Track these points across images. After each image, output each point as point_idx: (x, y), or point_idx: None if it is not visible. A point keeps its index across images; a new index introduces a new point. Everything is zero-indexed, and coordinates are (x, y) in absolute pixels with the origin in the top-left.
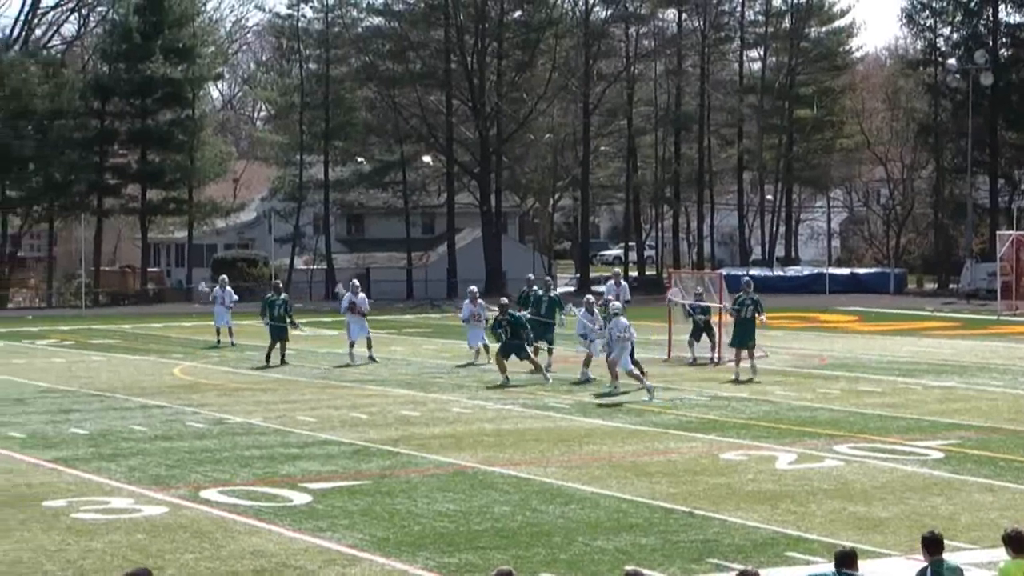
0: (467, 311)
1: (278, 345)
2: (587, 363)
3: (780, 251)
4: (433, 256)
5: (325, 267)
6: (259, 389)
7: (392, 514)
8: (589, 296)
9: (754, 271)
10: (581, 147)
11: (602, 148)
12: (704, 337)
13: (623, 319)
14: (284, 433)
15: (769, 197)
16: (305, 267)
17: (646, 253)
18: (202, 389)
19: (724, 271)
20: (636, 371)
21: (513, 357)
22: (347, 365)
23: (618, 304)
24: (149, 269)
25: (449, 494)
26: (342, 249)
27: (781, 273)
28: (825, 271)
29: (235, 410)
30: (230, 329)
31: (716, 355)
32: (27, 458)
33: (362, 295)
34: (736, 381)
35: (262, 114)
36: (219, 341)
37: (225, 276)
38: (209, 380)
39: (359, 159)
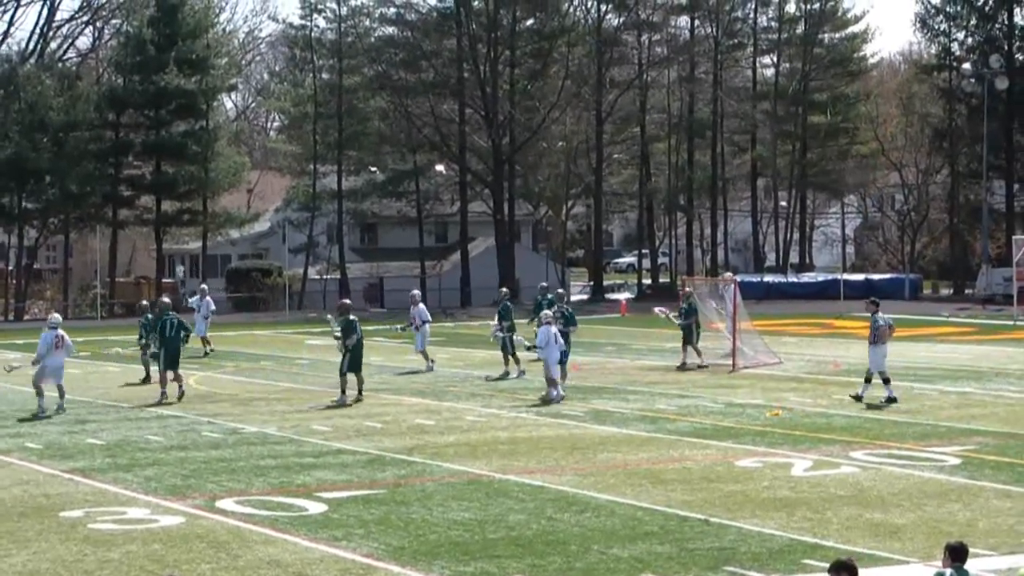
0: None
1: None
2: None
3: (795, 257)
4: (447, 265)
5: (339, 277)
6: (273, 399)
7: (407, 523)
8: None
9: (768, 277)
10: (594, 155)
11: (615, 156)
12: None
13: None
14: (299, 442)
15: (783, 203)
16: (319, 277)
17: (660, 260)
18: (217, 399)
19: (739, 278)
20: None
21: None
22: None
23: (548, 313)
24: (164, 280)
25: (464, 503)
26: (356, 258)
27: (795, 279)
28: (840, 277)
29: (250, 420)
30: (206, 339)
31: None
32: (44, 469)
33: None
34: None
35: (275, 124)
36: (206, 352)
37: (205, 286)
38: (224, 390)
39: (372, 168)
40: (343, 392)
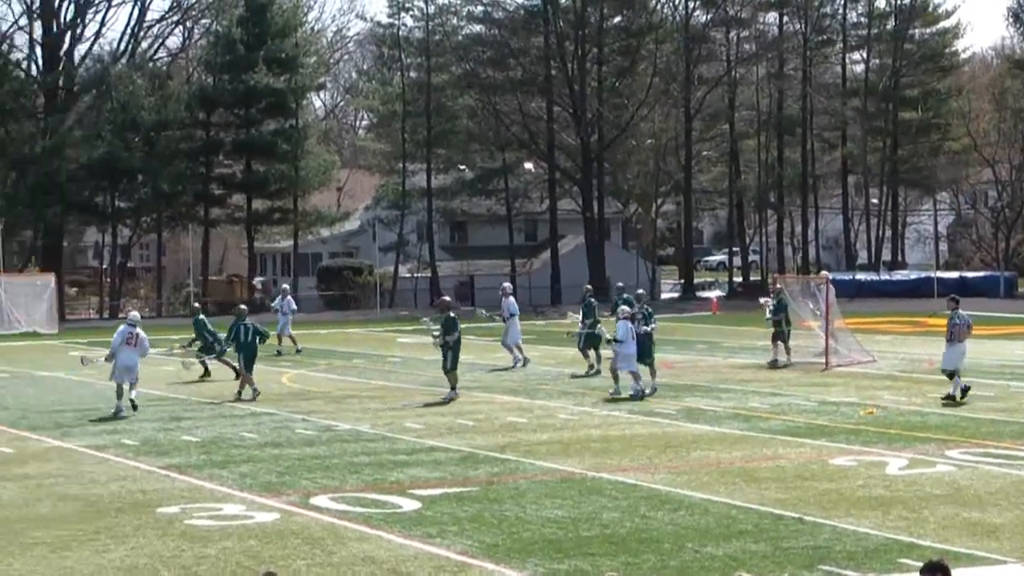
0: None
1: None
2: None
3: (887, 255)
4: (536, 263)
5: (429, 275)
6: (366, 396)
7: (501, 520)
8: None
9: (860, 275)
10: (683, 152)
11: (704, 153)
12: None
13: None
14: (392, 440)
15: (874, 201)
16: (409, 275)
17: (750, 258)
18: (310, 397)
19: (830, 275)
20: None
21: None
22: None
23: (626, 308)
24: (255, 278)
25: (557, 500)
26: (446, 257)
27: (888, 277)
28: (933, 275)
29: (343, 417)
30: (292, 337)
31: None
32: (141, 465)
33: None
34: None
35: (364, 123)
36: (278, 351)
37: (287, 286)
38: (317, 388)
39: (461, 166)
40: (453, 388)
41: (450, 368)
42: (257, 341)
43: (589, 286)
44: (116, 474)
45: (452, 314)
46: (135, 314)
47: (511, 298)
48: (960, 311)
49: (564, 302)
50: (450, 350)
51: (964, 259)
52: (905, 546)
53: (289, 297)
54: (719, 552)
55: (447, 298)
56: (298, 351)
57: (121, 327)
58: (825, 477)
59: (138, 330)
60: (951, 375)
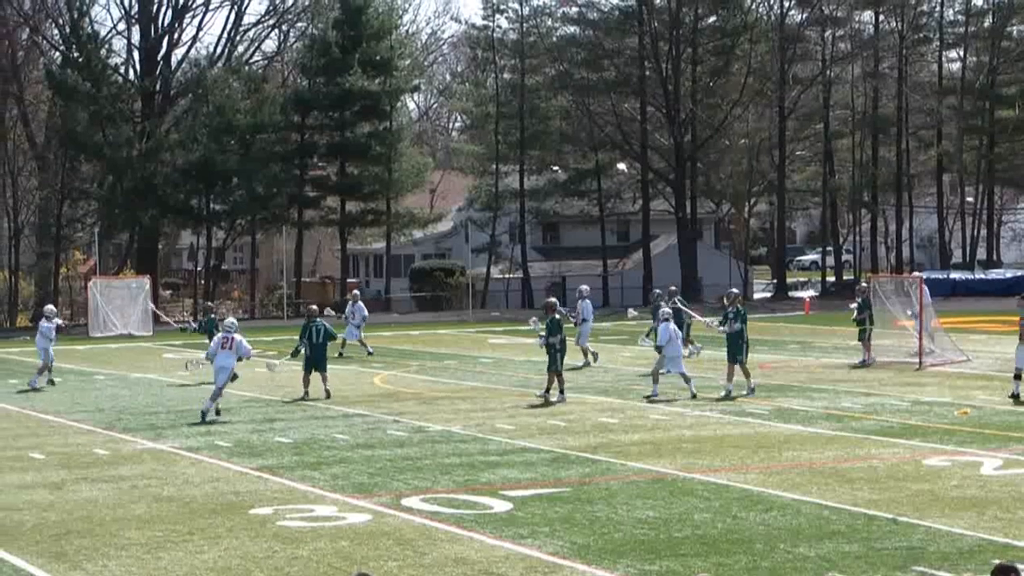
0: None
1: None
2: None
3: (981, 254)
4: (629, 263)
5: (521, 276)
6: (457, 398)
7: (592, 521)
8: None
9: (955, 274)
10: (777, 152)
11: (798, 152)
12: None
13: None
14: (483, 441)
15: (969, 199)
16: (501, 276)
17: (844, 258)
18: (402, 398)
19: (924, 274)
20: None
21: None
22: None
23: (667, 310)
24: (348, 280)
25: (649, 501)
26: (538, 257)
27: (983, 276)
28: None
29: (434, 418)
30: (361, 340)
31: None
32: (234, 466)
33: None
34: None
35: (458, 124)
36: (340, 353)
37: (357, 291)
38: (409, 388)
39: (554, 168)
40: (561, 392)
41: (557, 368)
42: (327, 341)
43: (658, 290)
44: (209, 475)
45: (557, 316)
46: (231, 320)
47: (588, 301)
48: None
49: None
50: (557, 351)
51: None
52: (1000, 547)
53: (360, 303)
54: (811, 553)
55: (553, 299)
56: (369, 353)
57: (218, 334)
58: (919, 477)
59: (234, 334)
60: (1017, 375)
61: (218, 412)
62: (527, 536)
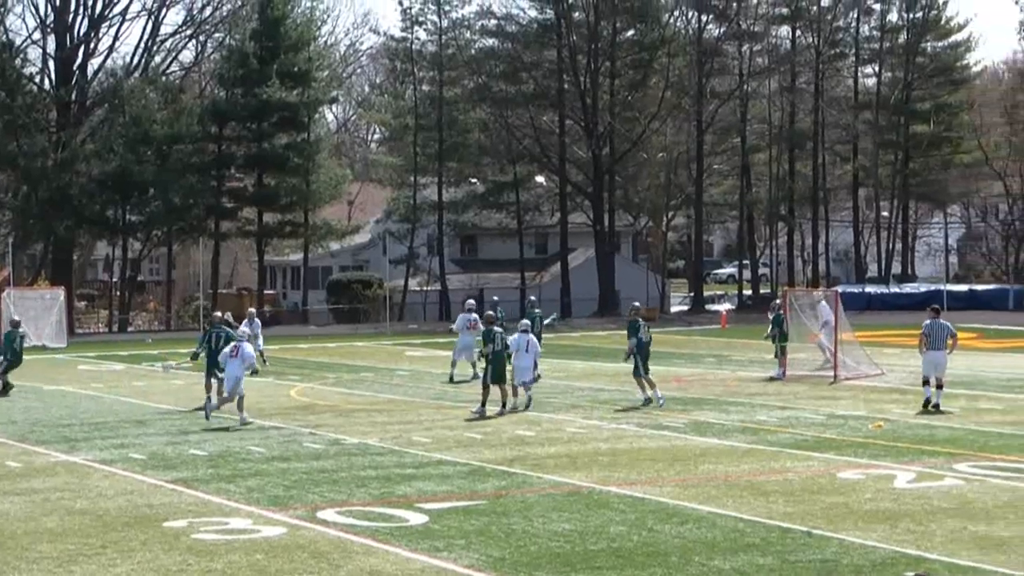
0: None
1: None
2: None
3: (896, 268)
4: (547, 276)
5: (439, 288)
6: (374, 410)
7: (508, 534)
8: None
9: (870, 288)
10: (695, 165)
11: (715, 166)
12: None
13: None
14: (400, 453)
15: (885, 214)
16: (419, 288)
17: (760, 271)
18: (318, 410)
19: (840, 288)
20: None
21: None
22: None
23: (525, 322)
24: (265, 291)
25: (565, 514)
26: (456, 270)
27: (898, 290)
28: (943, 288)
29: (351, 431)
30: (260, 352)
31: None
32: (148, 479)
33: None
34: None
35: (376, 136)
36: (264, 362)
37: (252, 310)
38: (325, 401)
39: (472, 180)
40: (483, 404)
41: (491, 381)
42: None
43: (637, 303)
44: (123, 488)
45: (496, 328)
46: (244, 329)
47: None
48: (940, 320)
49: (574, 315)
50: (490, 363)
51: (974, 272)
52: (912, 559)
53: (256, 320)
54: (726, 566)
55: (492, 312)
56: (264, 362)
57: (229, 346)
58: (833, 490)
59: (244, 343)
60: (925, 381)
61: (244, 423)
62: (443, 549)
